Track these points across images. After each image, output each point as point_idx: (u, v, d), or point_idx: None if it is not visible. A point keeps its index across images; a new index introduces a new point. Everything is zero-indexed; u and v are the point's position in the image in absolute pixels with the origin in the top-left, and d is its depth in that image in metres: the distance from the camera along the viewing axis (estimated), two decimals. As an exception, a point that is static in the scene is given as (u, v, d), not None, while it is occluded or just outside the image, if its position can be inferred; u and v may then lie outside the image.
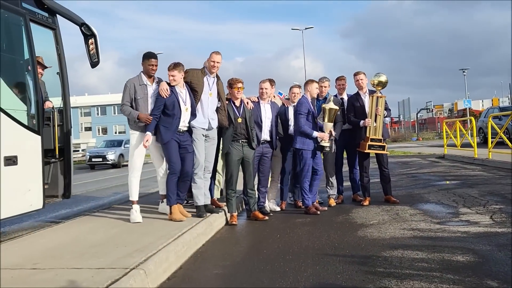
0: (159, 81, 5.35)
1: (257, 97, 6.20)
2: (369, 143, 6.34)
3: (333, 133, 6.13)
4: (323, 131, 6.02)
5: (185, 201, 5.94)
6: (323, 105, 6.08)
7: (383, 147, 6.43)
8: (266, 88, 6.10)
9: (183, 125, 5.32)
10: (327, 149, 6.09)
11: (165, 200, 5.56)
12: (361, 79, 6.56)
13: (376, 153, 6.51)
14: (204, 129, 5.52)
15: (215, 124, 5.64)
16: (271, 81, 6.38)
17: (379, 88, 6.41)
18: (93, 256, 3.72)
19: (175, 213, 5.27)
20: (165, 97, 5.16)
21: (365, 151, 6.39)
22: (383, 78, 6.39)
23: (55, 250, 4.03)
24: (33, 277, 3.18)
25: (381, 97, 6.39)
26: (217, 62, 5.54)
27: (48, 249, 4.09)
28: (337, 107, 6.08)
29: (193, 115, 5.41)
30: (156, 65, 5.29)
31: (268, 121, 6.12)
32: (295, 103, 6.25)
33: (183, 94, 5.33)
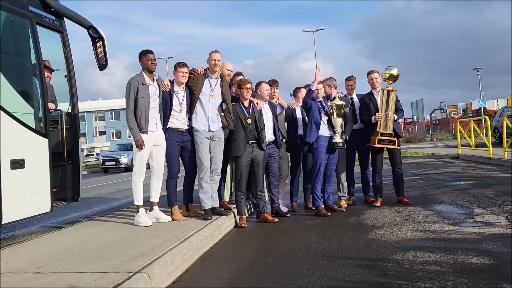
0: (159, 79, 5.39)
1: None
2: (379, 137, 6.19)
3: (343, 130, 6.11)
4: (334, 129, 5.94)
5: None
6: (329, 103, 6.04)
7: (393, 142, 6.26)
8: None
9: (183, 124, 5.48)
10: (340, 144, 5.98)
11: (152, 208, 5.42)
12: (375, 78, 6.44)
13: (389, 153, 6.39)
14: (206, 131, 5.47)
15: (216, 126, 5.55)
16: (274, 82, 6.43)
17: (390, 82, 6.28)
18: (98, 259, 3.67)
19: (175, 213, 5.43)
20: (166, 90, 5.38)
21: (375, 146, 6.24)
22: (394, 72, 6.25)
23: (61, 253, 3.99)
24: (35, 281, 3.14)
25: (392, 90, 6.26)
26: (217, 60, 5.51)
27: (54, 252, 4.05)
28: (343, 103, 6.01)
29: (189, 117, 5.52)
30: (155, 59, 5.30)
31: (270, 121, 6.05)
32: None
33: (180, 96, 5.46)
